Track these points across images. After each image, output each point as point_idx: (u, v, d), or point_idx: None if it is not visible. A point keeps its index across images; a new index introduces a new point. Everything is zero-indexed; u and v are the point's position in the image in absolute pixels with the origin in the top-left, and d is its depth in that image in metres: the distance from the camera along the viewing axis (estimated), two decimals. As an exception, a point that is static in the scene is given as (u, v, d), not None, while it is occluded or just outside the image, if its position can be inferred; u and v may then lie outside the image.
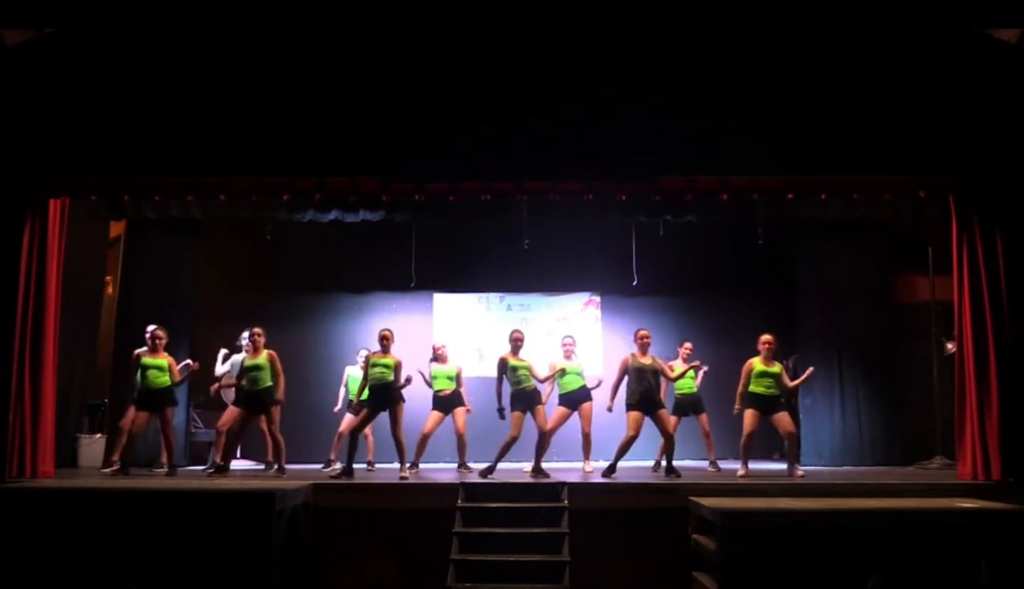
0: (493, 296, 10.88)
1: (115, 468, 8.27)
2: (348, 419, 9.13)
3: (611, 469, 7.82)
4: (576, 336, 8.88)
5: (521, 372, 7.97)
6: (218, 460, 8.32)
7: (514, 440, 7.82)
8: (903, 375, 9.58)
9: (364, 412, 8.06)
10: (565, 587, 6.02)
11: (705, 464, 8.95)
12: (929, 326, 9.14)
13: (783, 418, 7.94)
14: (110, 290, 10.12)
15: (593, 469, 8.30)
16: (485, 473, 7.65)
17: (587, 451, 8.44)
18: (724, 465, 8.79)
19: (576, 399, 8.34)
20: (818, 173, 7.66)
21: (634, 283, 9.40)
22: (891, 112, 7.36)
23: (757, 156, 7.44)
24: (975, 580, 5.20)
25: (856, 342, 9.53)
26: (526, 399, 7.94)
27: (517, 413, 7.89)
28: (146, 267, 9.77)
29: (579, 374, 8.45)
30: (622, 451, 7.90)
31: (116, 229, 9.91)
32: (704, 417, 8.79)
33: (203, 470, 8.46)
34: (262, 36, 7.46)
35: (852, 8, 7.34)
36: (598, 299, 10.84)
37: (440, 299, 10.79)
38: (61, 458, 8.55)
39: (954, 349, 7.73)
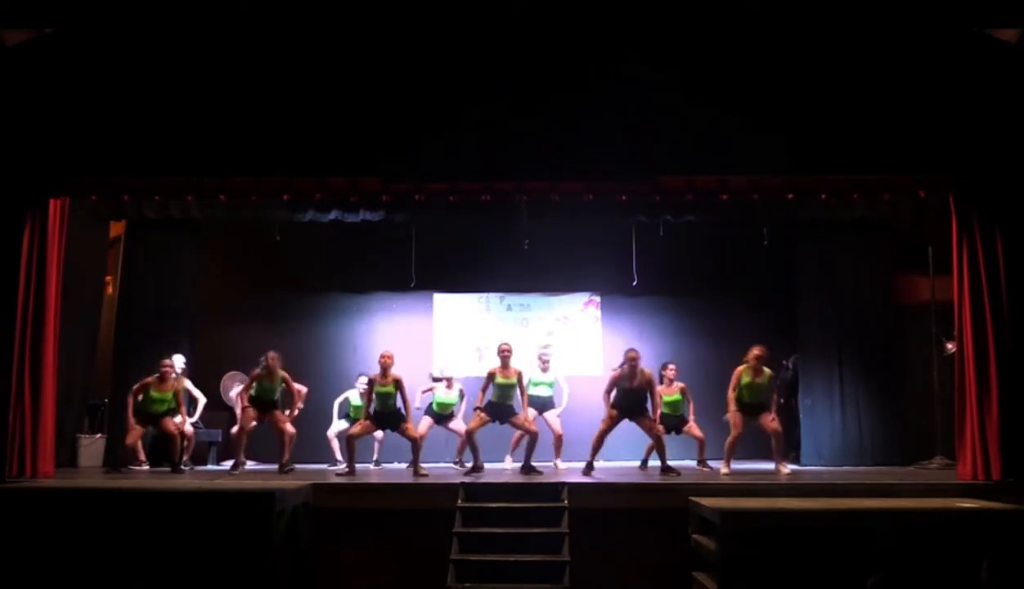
0: (493, 296, 10.87)
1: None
2: (336, 424, 9.22)
3: (589, 466, 7.92)
4: (552, 348, 9.46)
5: (503, 389, 8.13)
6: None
7: (470, 433, 8.07)
8: (903, 375, 9.56)
9: (367, 424, 8.15)
10: (565, 587, 6.02)
11: (710, 464, 8.97)
12: (929, 326, 9.13)
13: (767, 420, 8.06)
14: (110, 290, 10.12)
15: (566, 467, 8.67)
16: (472, 471, 7.81)
17: (557, 450, 8.97)
18: (718, 465, 8.78)
19: (541, 405, 8.87)
20: (818, 173, 7.66)
21: (634, 283, 9.40)
22: (891, 112, 7.36)
23: (757, 156, 7.44)
24: (975, 580, 5.20)
25: (856, 342, 9.51)
26: (501, 412, 8.12)
27: (482, 413, 8.09)
28: (146, 267, 9.77)
29: (550, 385, 9.02)
30: (595, 446, 8.04)
31: (116, 229, 9.91)
32: (693, 425, 8.81)
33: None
34: (262, 36, 7.45)
35: (852, 8, 7.34)
36: (598, 299, 10.83)
37: (440, 299, 10.79)
38: (61, 458, 8.56)
39: (954, 349, 7.73)
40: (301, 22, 7.45)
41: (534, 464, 7.94)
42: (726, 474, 7.90)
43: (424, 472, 7.97)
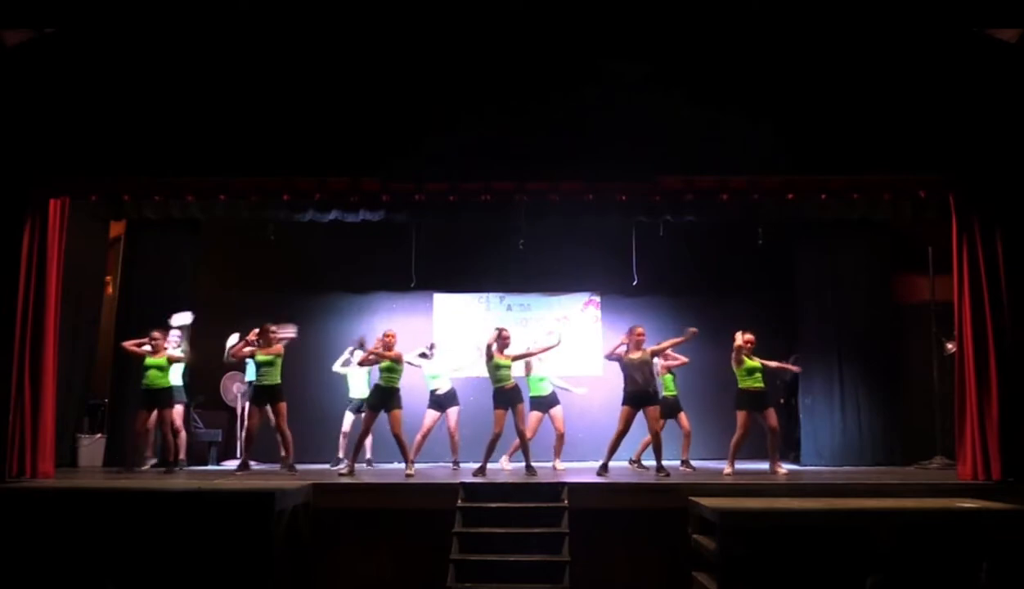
0: (493, 296, 10.87)
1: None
2: (349, 418, 9.22)
3: (604, 467, 7.89)
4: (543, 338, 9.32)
5: (503, 371, 8.06)
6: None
7: (497, 437, 7.98)
8: (903, 375, 9.56)
9: (366, 413, 8.20)
10: (565, 587, 6.02)
11: (709, 464, 8.97)
12: (929, 326, 9.14)
13: (770, 415, 8.11)
14: (110, 290, 10.12)
15: (565, 468, 8.65)
16: (477, 473, 7.73)
17: (558, 450, 8.89)
18: (718, 465, 8.79)
19: (546, 403, 8.79)
20: (818, 173, 7.67)
21: (634, 283, 9.40)
22: (891, 112, 7.36)
23: (757, 156, 7.45)
24: (975, 580, 5.21)
25: (856, 342, 9.52)
26: (506, 397, 8.02)
27: (499, 411, 8.01)
28: (146, 267, 9.78)
29: (542, 380, 8.88)
30: (613, 447, 8.00)
31: (116, 229, 9.91)
32: (683, 416, 8.82)
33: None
34: (262, 36, 7.45)
35: (852, 8, 7.34)
36: (598, 299, 10.83)
37: (440, 299, 10.79)
38: (61, 458, 8.56)
39: (954, 349, 7.73)
40: (301, 22, 7.44)
41: (533, 464, 7.95)
42: (728, 474, 7.90)
43: (411, 472, 7.95)
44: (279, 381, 8.29)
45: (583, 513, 6.62)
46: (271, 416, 8.35)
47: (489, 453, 7.96)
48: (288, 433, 8.28)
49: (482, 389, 9.11)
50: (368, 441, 9.24)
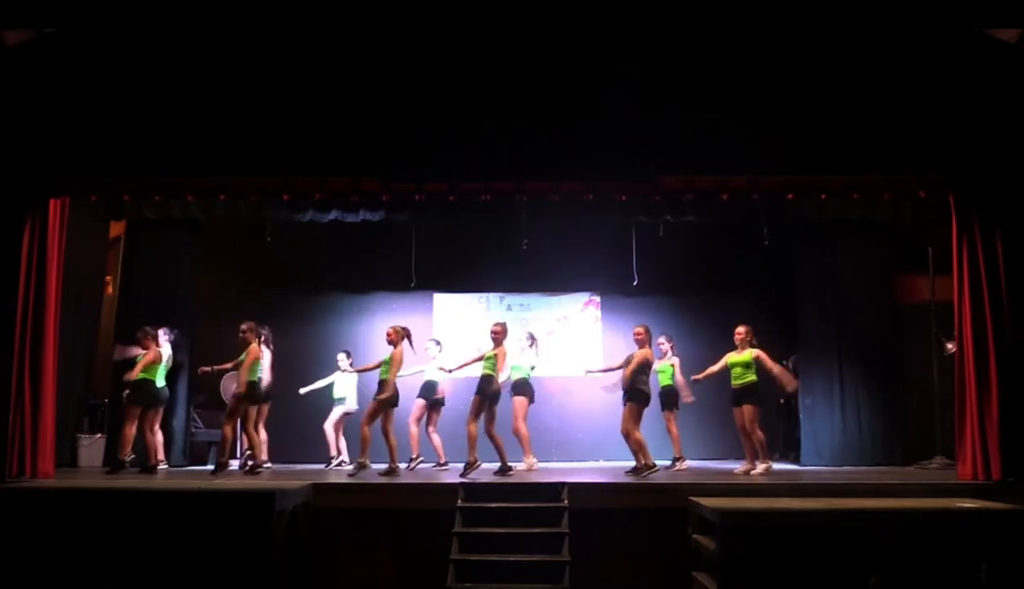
0: (493, 296, 10.87)
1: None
2: (333, 417, 9.25)
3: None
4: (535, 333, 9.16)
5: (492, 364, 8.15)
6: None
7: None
8: (903, 375, 9.57)
9: (387, 412, 8.15)
10: (565, 587, 6.02)
11: (709, 464, 8.97)
12: (929, 326, 9.14)
13: (740, 413, 8.10)
14: (110, 290, 10.12)
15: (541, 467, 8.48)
16: (503, 471, 7.73)
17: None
18: (718, 465, 8.79)
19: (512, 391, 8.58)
20: (818, 173, 7.67)
21: (634, 283, 9.39)
22: (891, 112, 7.36)
23: (757, 156, 7.45)
24: (975, 580, 5.21)
25: (856, 342, 9.52)
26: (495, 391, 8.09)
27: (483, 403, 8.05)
28: (146, 267, 9.77)
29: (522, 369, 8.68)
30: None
31: (116, 229, 9.92)
32: (672, 413, 8.84)
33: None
34: (262, 36, 7.46)
35: (852, 8, 7.34)
36: (598, 299, 10.83)
37: (440, 299, 10.79)
38: (61, 458, 8.56)
39: (954, 349, 7.74)
40: (301, 22, 7.45)
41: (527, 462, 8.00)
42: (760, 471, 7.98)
43: (394, 467, 7.95)
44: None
45: (583, 513, 6.62)
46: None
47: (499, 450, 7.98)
48: (252, 435, 8.37)
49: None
50: (335, 438, 9.31)
